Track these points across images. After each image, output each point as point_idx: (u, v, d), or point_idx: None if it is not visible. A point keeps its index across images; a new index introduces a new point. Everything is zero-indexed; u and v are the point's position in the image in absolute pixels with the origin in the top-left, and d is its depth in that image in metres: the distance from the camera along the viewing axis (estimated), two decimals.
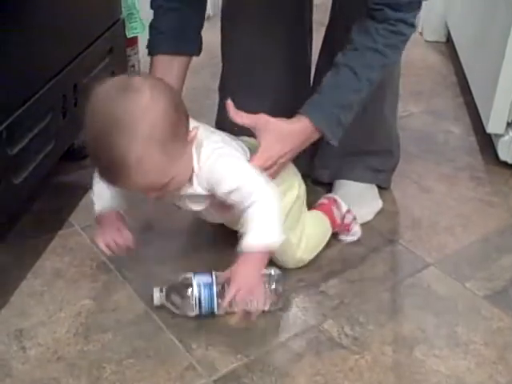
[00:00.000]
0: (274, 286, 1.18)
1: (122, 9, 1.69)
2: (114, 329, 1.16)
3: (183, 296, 1.16)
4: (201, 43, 1.32)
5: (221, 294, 1.15)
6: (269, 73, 1.43)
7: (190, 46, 1.29)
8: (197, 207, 1.19)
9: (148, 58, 2.36)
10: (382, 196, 1.54)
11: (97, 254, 1.34)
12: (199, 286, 1.16)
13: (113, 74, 1.59)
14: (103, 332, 1.15)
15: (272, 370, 1.08)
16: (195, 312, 1.16)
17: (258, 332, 1.16)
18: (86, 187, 1.55)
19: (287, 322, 1.19)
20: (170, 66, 1.25)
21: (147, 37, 1.28)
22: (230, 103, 1.14)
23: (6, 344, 1.12)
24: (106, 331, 1.15)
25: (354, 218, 1.40)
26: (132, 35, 1.80)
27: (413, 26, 1.17)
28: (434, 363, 1.10)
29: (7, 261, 1.32)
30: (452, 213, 1.53)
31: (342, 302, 1.24)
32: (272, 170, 1.15)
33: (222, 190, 1.07)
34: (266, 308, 1.16)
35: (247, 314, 1.08)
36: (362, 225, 1.43)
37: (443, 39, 2.69)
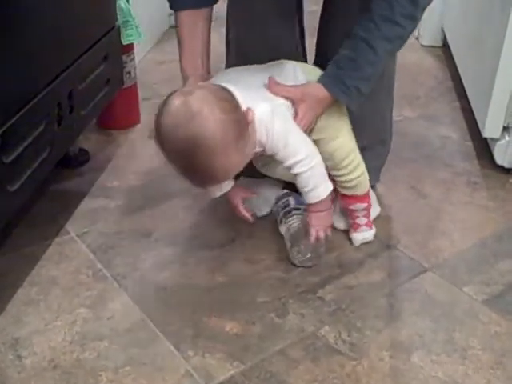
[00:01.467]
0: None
1: (118, 16, 1.69)
2: (110, 337, 1.15)
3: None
4: None
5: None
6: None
7: None
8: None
9: (143, 65, 2.39)
10: (379, 202, 1.53)
11: (93, 261, 1.34)
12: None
13: (108, 81, 1.59)
14: (99, 340, 1.15)
15: (269, 377, 1.08)
16: None
17: (254, 339, 1.15)
18: (83, 194, 1.57)
19: (284, 328, 1.18)
20: (194, 21, 1.30)
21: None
22: (271, 78, 1.22)
23: (2, 353, 1.11)
24: (102, 339, 1.15)
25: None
26: (127, 42, 1.79)
27: None
28: (431, 369, 1.10)
29: (3, 268, 1.31)
30: (449, 218, 1.52)
31: (339, 308, 1.23)
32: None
33: (285, 157, 1.21)
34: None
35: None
36: None
37: (439, 44, 2.69)
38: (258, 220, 1.47)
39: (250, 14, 1.37)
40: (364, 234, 1.42)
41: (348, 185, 1.36)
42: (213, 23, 1.34)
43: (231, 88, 1.15)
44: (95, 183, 1.63)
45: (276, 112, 1.20)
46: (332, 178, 1.30)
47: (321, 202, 1.26)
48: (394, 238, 1.44)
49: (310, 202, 1.26)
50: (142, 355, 1.11)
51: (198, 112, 1.07)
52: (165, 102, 1.12)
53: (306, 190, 1.24)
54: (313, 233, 1.29)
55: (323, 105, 1.26)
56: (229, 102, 1.12)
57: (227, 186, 1.32)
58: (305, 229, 1.32)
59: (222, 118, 1.08)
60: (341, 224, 1.45)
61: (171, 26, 2.88)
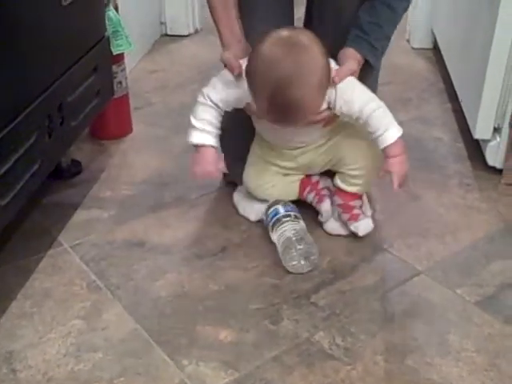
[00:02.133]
0: None
1: (107, 26, 1.70)
2: (104, 348, 1.15)
3: None
4: None
5: None
6: None
7: None
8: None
9: (135, 74, 2.39)
10: (371, 205, 1.53)
11: (86, 272, 1.34)
12: None
13: (98, 92, 1.59)
14: (94, 351, 1.15)
15: None
16: None
17: (249, 346, 1.16)
18: (75, 205, 1.57)
19: (278, 335, 1.18)
20: None
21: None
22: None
23: None
24: (96, 350, 1.15)
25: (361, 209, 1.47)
26: (118, 52, 1.79)
27: None
28: (426, 371, 1.10)
29: None
30: (441, 220, 1.53)
31: (333, 313, 1.23)
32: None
33: (354, 100, 1.27)
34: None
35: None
36: (353, 233, 1.44)
37: (430, 46, 2.70)
38: (249, 228, 1.48)
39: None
40: (366, 222, 1.44)
41: (358, 182, 1.40)
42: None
43: None
44: (88, 194, 1.63)
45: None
46: (343, 174, 1.39)
47: (397, 143, 1.28)
48: (387, 242, 1.44)
49: (389, 142, 1.27)
50: (137, 365, 1.11)
51: (308, 47, 1.18)
52: (268, 35, 1.19)
53: (381, 130, 1.27)
54: (396, 180, 1.28)
55: (359, 65, 1.33)
56: (325, 50, 1.21)
57: (208, 140, 1.33)
58: (299, 235, 1.33)
59: (323, 60, 1.19)
60: (338, 228, 1.46)
61: (162, 35, 2.89)
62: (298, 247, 1.32)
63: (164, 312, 1.24)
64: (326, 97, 1.25)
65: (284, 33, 1.20)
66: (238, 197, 1.55)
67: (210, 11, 1.38)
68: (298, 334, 1.18)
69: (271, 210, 1.41)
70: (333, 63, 1.27)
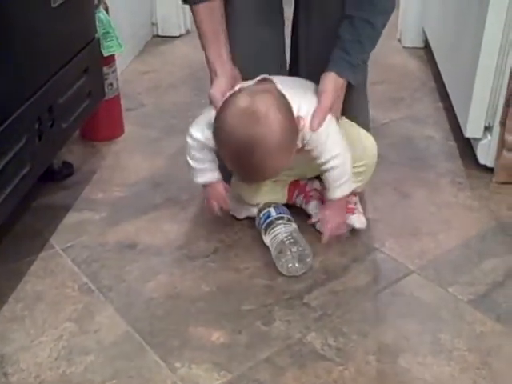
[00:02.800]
0: None
1: (97, 28, 1.69)
2: (96, 350, 1.15)
3: None
4: None
5: None
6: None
7: None
8: None
9: (126, 76, 2.39)
10: (363, 204, 1.54)
11: (78, 275, 1.34)
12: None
13: (89, 93, 1.59)
14: (85, 354, 1.14)
15: None
16: None
17: (241, 348, 1.15)
18: (67, 207, 1.56)
19: (270, 336, 1.18)
20: (211, 10, 1.35)
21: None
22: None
23: None
24: (88, 353, 1.14)
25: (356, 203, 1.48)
26: (108, 54, 1.79)
27: None
28: (418, 371, 1.10)
29: None
30: (433, 219, 1.53)
31: (325, 314, 1.23)
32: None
33: (323, 151, 1.30)
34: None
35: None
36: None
37: (421, 45, 2.71)
38: (241, 229, 1.48)
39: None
40: (361, 217, 1.45)
41: (356, 179, 1.40)
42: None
43: (285, 93, 1.25)
44: (80, 196, 1.63)
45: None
46: None
47: (339, 201, 1.36)
48: (379, 241, 1.44)
49: (336, 196, 1.34)
50: (129, 368, 1.11)
51: (264, 116, 1.19)
52: (229, 101, 1.22)
53: (335, 184, 1.33)
54: (327, 231, 1.37)
55: (342, 90, 1.35)
56: (288, 109, 1.23)
57: (214, 176, 1.38)
58: (293, 238, 1.34)
59: (282, 125, 1.20)
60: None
61: (154, 36, 2.89)
62: (293, 250, 1.32)
63: (156, 314, 1.24)
64: (301, 137, 1.27)
65: (243, 101, 1.20)
66: None
67: (199, 35, 1.37)
68: (290, 335, 1.18)
69: (263, 212, 1.41)
70: (304, 109, 1.27)
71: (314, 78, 1.35)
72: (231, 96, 1.24)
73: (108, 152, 1.86)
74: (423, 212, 1.56)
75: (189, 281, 1.32)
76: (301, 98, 1.29)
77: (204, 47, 1.37)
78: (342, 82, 1.33)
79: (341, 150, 1.31)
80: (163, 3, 2.81)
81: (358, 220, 1.44)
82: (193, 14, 1.37)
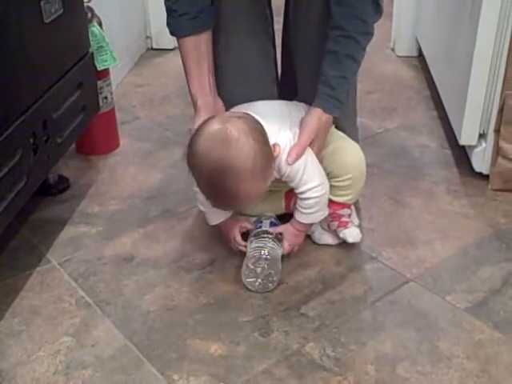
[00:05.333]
0: None
1: (91, 42, 1.70)
2: (94, 365, 1.15)
3: None
4: (214, 12, 1.38)
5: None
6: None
7: (209, 21, 1.37)
8: None
9: (121, 89, 2.39)
10: (359, 213, 1.54)
11: (75, 289, 1.34)
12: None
13: (83, 108, 1.59)
14: (83, 368, 1.14)
15: None
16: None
17: (239, 359, 1.15)
18: (64, 222, 1.56)
19: (268, 347, 1.18)
20: (197, 45, 1.37)
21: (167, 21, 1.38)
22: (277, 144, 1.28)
23: None
24: (86, 367, 1.14)
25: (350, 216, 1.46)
26: (103, 68, 1.80)
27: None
28: (417, 380, 1.10)
29: None
30: (430, 227, 1.53)
31: (322, 324, 1.23)
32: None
33: (300, 183, 1.31)
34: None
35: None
36: (341, 243, 1.45)
37: (415, 54, 2.71)
38: None
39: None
40: (355, 230, 1.44)
41: (347, 192, 1.40)
42: None
43: (260, 120, 1.25)
44: (76, 210, 1.63)
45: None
46: (331, 186, 1.37)
47: (305, 225, 1.38)
48: (376, 250, 1.44)
49: (302, 221, 1.36)
50: (127, 382, 1.11)
51: (235, 140, 1.18)
52: (202, 127, 1.22)
53: (306, 211, 1.34)
54: (288, 248, 1.38)
55: (328, 124, 1.35)
56: (262, 134, 1.23)
57: (226, 214, 1.39)
58: (271, 258, 1.32)
59: (255, 149, 1.19)
60: (326, 238, 1.46)
61: (148, 49, 2.90)
62: (264, 266, 1.31)
63: (154, 327, 1.23)
64: (277, 168, 1.28)
65: (215, 127, 1.20)
66: None
67: (183, 67, 1.40)
68: (288, 346, 1.18)
69: (259, 220, 1.42)
70: (283, 142, 1.27)
71: (309, 84, 1.36)
72: (204, 122, 1.24)
73: (104, 165, 1.86)
74: (419, 220, 1.56)
75: (186, 293, 1.32)
76: (280, 129, 1.29)
77: (187, 80, 1.39)
78: (327, 117, 1.33)
79: (318, 182, 1.31)
80: (157, 16, 2.82)
81: (350, 234, 1.43)
82: (179, 46, 1.39)
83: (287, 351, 1.17)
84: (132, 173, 1.81)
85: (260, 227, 1.39)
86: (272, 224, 1.40)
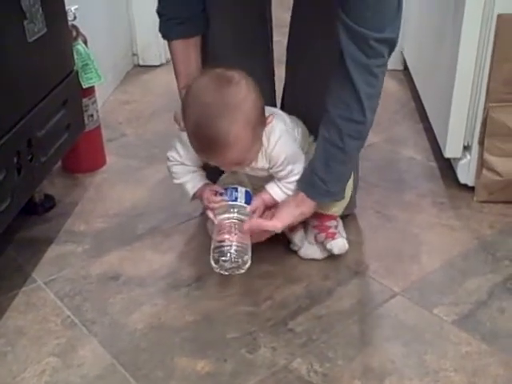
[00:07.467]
0: None
1: (76, 60, 1.70)
2: None
3: None
4: (206, 19, 1.40)
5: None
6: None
7: (199, 26, 1.40)
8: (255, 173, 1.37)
9: (108, 106, 2.39)
10: (346, 227, 1.54)
11: (61, 308, 1.33)
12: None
13: (68, 126, 1.59)
14: None
15: None
16: None
17: (226, 377, 1.15)
18: (49, 240, 1.55)
19: (256, 363, 1.17)
20: (186, 49, 1.40)
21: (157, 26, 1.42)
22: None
23: None
24: None
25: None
26: (88, 85, 1.80)
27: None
28: None
29: None
30: (416, 240, 1.53)
31: (310, 339, 1.23)
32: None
33: (278, 164, 1.31)
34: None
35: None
36: (328, 257, 1.45)
37: (400, 67, 2.73)
38: None
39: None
40: (341, 241, 1.44)
41: (333, 204, 1.41)
42: (170, 64, 1.36)
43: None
44: (62, 228, 1.62)
45: (288, 133, 1.33)
46: None
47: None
48: (363, 264, 1.45)
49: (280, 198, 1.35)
50: None
51: (237, 81, 1.19)
52: (202, 72, 1.26)
53: (289, 193, 1.35)
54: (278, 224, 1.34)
55: (310, 207, 1.35)
56: (260, 97, 1.23)
57: (203, 179, 1.39)
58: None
59: (254, 96, 1.20)
60: (313, 253, 1.46)
61: (135, 66, 2.90)
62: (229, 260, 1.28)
63: (140, 345, 1.23)
64: (262, 148, 1.28)
65: (218, 69, 1.22)
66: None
67: (173, 68, 1.42)
68: (276, 362, 1.17)
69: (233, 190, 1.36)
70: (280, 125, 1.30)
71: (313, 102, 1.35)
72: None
73: (90, 183, 1.85)
74: (406, 234, 1.56)
75: (173, 311, 1.32)
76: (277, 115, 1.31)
77: (176, 77, 1.42)
78: (309, 201, 1.34)
79: (298, 171, 1.33)
80: (143, 33, 2.83)
81: (336, 245, 1.43)
82: (169, 47, 1.42)
83: (274, 367, 1.16)
84: (118, 190, 1.81)
85: (236, 198, 1.34)
86: (247, 194, 1.35)
